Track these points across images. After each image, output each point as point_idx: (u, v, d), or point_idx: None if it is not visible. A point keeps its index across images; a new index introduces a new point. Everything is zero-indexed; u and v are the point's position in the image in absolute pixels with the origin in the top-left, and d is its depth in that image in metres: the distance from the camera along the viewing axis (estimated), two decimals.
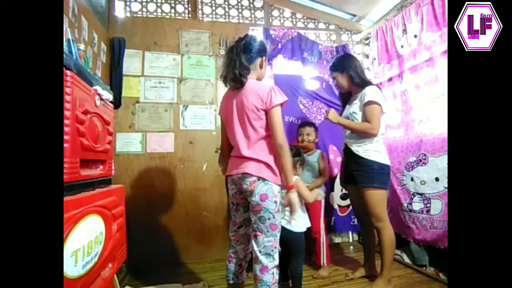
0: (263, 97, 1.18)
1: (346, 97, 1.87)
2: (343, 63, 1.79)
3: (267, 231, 1.19)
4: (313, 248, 2.01)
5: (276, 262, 1.21)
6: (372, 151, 1.67)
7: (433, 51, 1.97)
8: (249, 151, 1.21)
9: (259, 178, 1.18)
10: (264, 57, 1.29)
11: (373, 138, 1.66)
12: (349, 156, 1.75)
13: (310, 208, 1.81)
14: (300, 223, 1.60)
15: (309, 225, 1.67)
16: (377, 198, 1.64)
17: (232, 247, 1.35)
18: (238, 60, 1.21)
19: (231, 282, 1.34)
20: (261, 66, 1.29)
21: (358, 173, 1.68)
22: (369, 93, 1.65)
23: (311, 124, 2.18)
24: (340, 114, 1.86)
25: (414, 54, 2.14)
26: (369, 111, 1.63)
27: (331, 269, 1.96)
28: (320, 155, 2.10)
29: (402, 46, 2.30)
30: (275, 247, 1.21)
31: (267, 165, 1.20)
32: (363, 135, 1.66)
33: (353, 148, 1.70)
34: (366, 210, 1.68)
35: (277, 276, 1.21)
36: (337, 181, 2.55)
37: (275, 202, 1.19)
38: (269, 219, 1.18)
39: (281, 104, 1.20)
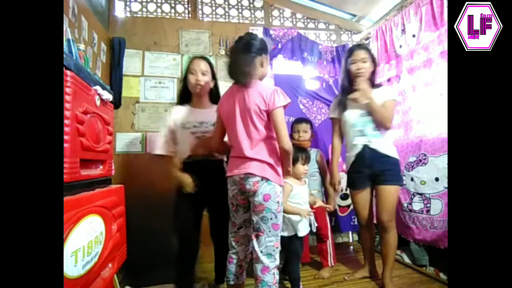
0: (266, 98, 1.17)
1: (347, 89, 1.75)
2: (374, 55, 1.74)
3: (269, 231, 1.19)
4: (321, 250, 1.99)
5: (277, 262, 1.21)
6: (393, 148, 1.68)
7: (431, 51, 1.98)
8: (252, 152, 1.20)
9: (262, 178, 1.18)
10: (264, 56, 1.26)
11: (388, 135, 1.69)
12: (370, 156, 1.64)
13: (315, 210, 1.78)
14: (288, 227, 1.57)
15: (300, 232, 1.57)
16: (397, 196, 1.69)
17: (233, 248, 1.34)
18: (246, 59, 1.20)
19: (231, 282, 1.33)
20: (261, 65, 1.26)
21: (388, 172, 1.63)
22: (392, 92, 1.71)
23: (308, 120, 2.12)
24: (342, 104, 1.74)
25: (412, 54, 2.15)
26: (390, 106, 1.64)
27: (332, 269, 1.96)
28: (318, 153, 2.09)
29: (400, 46, 2.30)
30: (277, 247, 1.21)
31: (270, 165, 1.20)
32: (379, 123, 1.61)
33: (379, 147, 1.64)
34: (383, 209, 1.64)
35: (277, 277, 1.21)
36: None
37: (278, 202, 1.19)
38: (271, 219, 1.18)
39: (284, 106, 1.19)
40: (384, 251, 1.69)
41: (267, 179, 1.18)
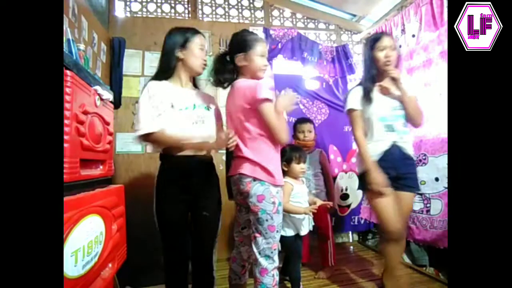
0: (248, 95, 1.13)
1: (373, 80, 1.52)
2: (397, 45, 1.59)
3: (266, 233, 1.16)
4: (321, 249, 2.00)
5: (276, 264, 1.19)
6: (412, 150, 1.54)
7: (431, 51, 1.98)
8: (245, 151, 1.18)
9: (254, 178, 1.15)
10: (241, 54, 1.20)
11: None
12: (398, 156, 1.45)
13: (317, 209, 1.77)
14: (289, 227, 1.57)
15: (302, 231, 1.59)
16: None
17: (236, 247, 1.33)
18: (215, 62, 1.28)
19: (233, 282, 1.34)
20: (240, 64, 1.21)
21: (411, 176, 1.48)
22: (414, 87, 1.54)
23: (310, 120, 2.13)
24: (368, 95, 1.49)
25: (411, 54, 2.15)
26: (415, 102, 1.49)
27: (332, 269, 1.96)
28: (321, 154, 2.09)
29: (400, 46, 2.30)
30: (275, 249, 1.19)
31: (263, 166, 1.16)
32: (412, 118, 1.45)
33: (407, 147, 1.48)
34: (400, 218, 1.45)
35: (277, 278, 1.19)
36: (337, 181, 2.55)
37: (273, 203, 1.16)
38: (266, 220, 1.15)
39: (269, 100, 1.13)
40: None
41: (260, 180, 1.15)
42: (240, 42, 1.22)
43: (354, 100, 1.53)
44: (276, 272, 1.19)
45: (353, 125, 1.55)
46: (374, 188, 1.40)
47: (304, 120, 2.10)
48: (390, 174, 1.44)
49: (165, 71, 1.29)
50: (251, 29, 2.63)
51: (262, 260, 1.17)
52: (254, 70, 1.21)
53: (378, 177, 1.41)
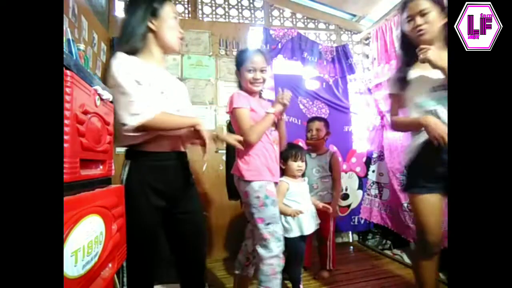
0: (230, 103, 1.32)
1: (408, 61, 1.26)
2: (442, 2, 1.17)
3: (256, 225, 1.25)
4: (321, 252, 1.99)
5: (274, 253, 1.22)
6: None
7: None
8: (237, 152, 1.32)
9: (239, 177, 1.28)
10: (238, 69, 1.38)
11: None
12: (435, 151, 1.10)
13: (319, 212, 1.75)
14: (292, 228, 1.55)
15: (304, 232, 1.56)
16: None
17: (245, 240, 1.46)
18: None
19: (236, 272, 1.43)
20: (238, 79, 1.41)
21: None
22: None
23: (321, 118, 2.08)
24: (402, 77, 1.23)
25: None
26: None
27: (332, 271, 1.95)
28: (333, 156, 2.01)
29: None
30: (268, 238, 1.22)
31: (242, 164, 1.28)
32: None
33: None
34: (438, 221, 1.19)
35: (277, 268, 1.22)
36: None
37: (257, 197, 1.24)
38: (254, 213, 1.25)
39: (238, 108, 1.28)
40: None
41: (243, 177, 1.26)
42: (236, 61, 1.41)
43: (391, 84, 1.32)
44: (276, 262, 1.22)
45: (391, 111, 1.33)
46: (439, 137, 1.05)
47: (312, 118, 2.09)
48: (439, 171, 1.12)
49: (132, 44, 0.97)
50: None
51: (259, 249, 1.25)
52: (245, 84, 1.36)
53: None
